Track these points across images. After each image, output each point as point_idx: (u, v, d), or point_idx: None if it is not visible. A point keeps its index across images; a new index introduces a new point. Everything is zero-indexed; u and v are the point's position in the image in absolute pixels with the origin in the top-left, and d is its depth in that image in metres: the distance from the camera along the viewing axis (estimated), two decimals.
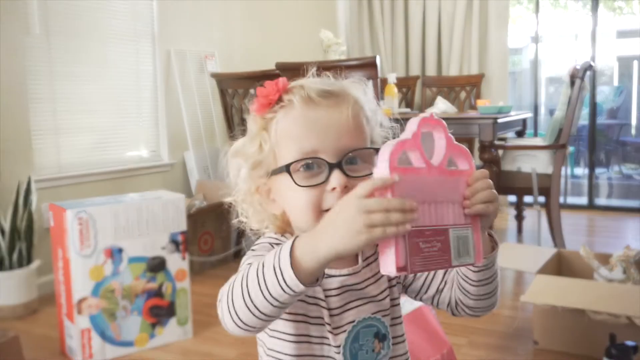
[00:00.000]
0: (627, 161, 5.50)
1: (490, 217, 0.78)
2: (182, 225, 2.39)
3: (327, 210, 0.79)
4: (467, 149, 0.79)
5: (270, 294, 0.69)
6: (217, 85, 3.52)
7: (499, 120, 3.17)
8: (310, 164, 0.80)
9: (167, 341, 2.37)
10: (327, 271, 0.83)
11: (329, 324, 0.84)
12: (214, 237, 3.48)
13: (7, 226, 2.67)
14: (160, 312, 2.35)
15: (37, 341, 2.41)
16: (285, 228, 0.89)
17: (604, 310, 2.07)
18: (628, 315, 2.04)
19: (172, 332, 2.38)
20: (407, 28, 5.09)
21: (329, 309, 0.85)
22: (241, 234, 3.62)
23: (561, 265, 2.63)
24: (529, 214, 4.20)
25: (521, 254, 2.71)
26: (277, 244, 0.86)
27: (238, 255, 3.63)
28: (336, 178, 0.79)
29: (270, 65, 3.17)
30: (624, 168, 5.47)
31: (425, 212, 0.73)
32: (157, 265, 2.33)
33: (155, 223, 2.32)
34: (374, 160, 0.83)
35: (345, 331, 0.85)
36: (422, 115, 0.74)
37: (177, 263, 2.37)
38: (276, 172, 0.83)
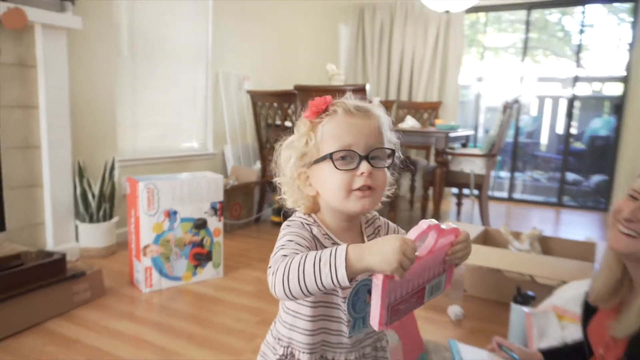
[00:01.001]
0: (537, 169, 5.52)
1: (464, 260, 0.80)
2: (219, 197, 2.41)
3: (355, 190, 0.81)
4: (456, 227, 0.77)
5: (322, 283, 0.69)
6: (251, 99, 3.52)
7: (450, 135, 3.17)
8: (346, 155, 0.81)
9: (205, 278, 2.40)
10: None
11: None
12: (242, 207, 3.49)
13: (96, 192, 2.69)
14: (201, 257, 2.38)
15: (113, 274, 2.43)
16: (312, 208, 0.88)
17: (514, 270, 2.10)
18: (530, 274, 2.07)
19: (208, 272, 2.41)
20: (389, 65, 5.06)
21: None
22: (261, 205, 3.64)
23: (487, 238, 2.64)
24: (466, 202, 4.22)
25: None
26: (307, 223, 0.85)
27: (258, 220, 3.64)
28: (364, 166, 0.80)
29: (290, 87, 3.18)
30: (535, 174, 5.50)
31: (415, 281, 0.72)
32: (200, 225, 2.35)
33: (201, 194, 2.34)
34: (386, 158, 0.84)
35: (350, 287, 0.85)
36: (419, 228, 0.70)
37: (214, 224, 2.40)
38: (318, 160, 0.82)
